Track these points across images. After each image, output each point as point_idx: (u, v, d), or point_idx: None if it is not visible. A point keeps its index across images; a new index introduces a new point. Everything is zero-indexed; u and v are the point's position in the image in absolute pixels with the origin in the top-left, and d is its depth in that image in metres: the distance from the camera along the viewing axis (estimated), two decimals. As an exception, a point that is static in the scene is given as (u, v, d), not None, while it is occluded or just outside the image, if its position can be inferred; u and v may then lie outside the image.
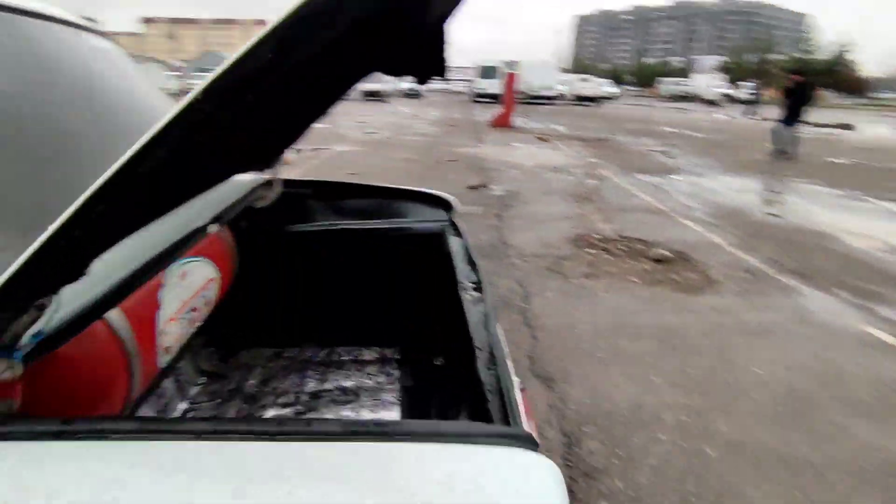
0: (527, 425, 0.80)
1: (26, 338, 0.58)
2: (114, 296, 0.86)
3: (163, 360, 1.15)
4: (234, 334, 1.84)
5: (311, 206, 1.98)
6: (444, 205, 1.93)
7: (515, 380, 0.91)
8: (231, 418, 0.80)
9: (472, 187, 6.71)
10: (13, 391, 0.59)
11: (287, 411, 1.59)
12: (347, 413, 1.60)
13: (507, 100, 15.21)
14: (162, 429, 0.63)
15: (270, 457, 0.56)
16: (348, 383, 1.75)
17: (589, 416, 2.17)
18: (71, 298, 0.76)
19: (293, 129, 1.49)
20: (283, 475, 0.54)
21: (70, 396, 0.84)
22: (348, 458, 0.58)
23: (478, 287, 1.31)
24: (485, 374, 0.88)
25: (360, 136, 12.90)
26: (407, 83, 37.97)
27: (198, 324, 1.34)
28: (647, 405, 2.26)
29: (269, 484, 0.53)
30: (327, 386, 1.73)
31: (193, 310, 1.29)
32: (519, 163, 8.82)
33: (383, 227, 1.94)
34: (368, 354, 1.92)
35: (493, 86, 24.74)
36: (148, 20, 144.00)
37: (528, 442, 0.66)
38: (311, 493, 0.53)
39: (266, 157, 1.72)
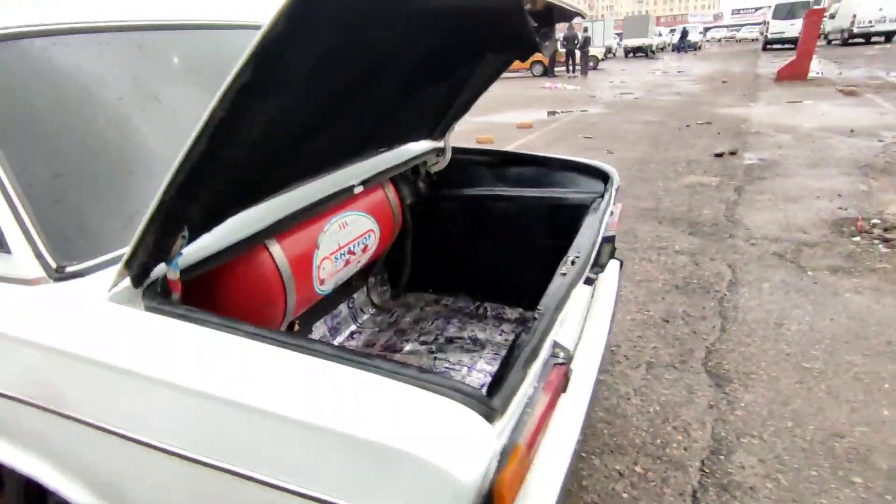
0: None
1: (177, 255, 0.94)
2: (266, 233, 1.23)
3: (319, 289, 1.54)
4: (405, 278, 2.21)
5: (477, 172, 2.17)
6: (603, 176, 1.89)
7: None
8: (345, 348, 1.05)
9: (718, 155, 5.85)
10: (176, 287, 0.97)
11: (421, 348, 1.88)
12: (466, 359, 1.80)
13: (804, 43, 12.26)
14: (296, 343, 0.85)
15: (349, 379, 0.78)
16: (482, 335, 1.94)
17: (757, 428, 1.87)
18: (234, 230, 1.15)
19: (458, 105, 1.75)
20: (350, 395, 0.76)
21: (236, 304, 1.26)
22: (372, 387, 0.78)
23: (575, 262, 1.31)
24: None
25: (610, 96, 12.34)
26: (677, 35, 33.88)
27: (356, 265, 1.70)
28: (848, 438, 1.81)
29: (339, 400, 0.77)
30: (464, 334, 1.96)
31: (350, 252, 1.65)
32: (795, 125, 7.19)
33: (537, 196, 2.01)
34: (511, 313, 2.07)
35: (792, 28, 20.05)
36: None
37: (483, 408, 0.75)
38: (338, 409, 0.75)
39: (436, 128, 1.97)
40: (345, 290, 2.00)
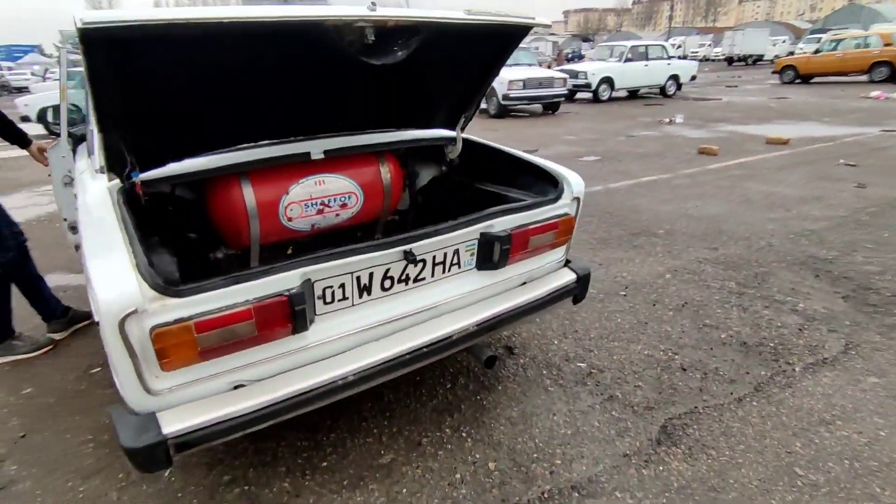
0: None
1: (133, 172, 1.58)
2: (236, 170, 1.79)
3: (288, 224, 2.05)
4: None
5: (476, 163, 2.36)
6: (554, 183, 1.93)
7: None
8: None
9: None
10: (139, 188, 1.62)
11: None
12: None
13: None
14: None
15: None
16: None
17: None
18: (196, 165, 1.76)
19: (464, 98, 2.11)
20: None
21: (216, 216, 1.88)
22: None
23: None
24: None
25: None
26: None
27: (333, 217, 2.16)
28: None
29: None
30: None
31: (324, 205, 2.11)
32: None
33: (493, 192, 2.15)
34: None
35: None
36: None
37: (157, 283, 1.19)
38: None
39: (449, 118, 2.26)
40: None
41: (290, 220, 2.04)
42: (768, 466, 1.73)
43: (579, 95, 14.38)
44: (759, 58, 31.48)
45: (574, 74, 13.73)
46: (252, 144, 1.93)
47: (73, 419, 2.06)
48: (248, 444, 1.88)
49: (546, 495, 1.63)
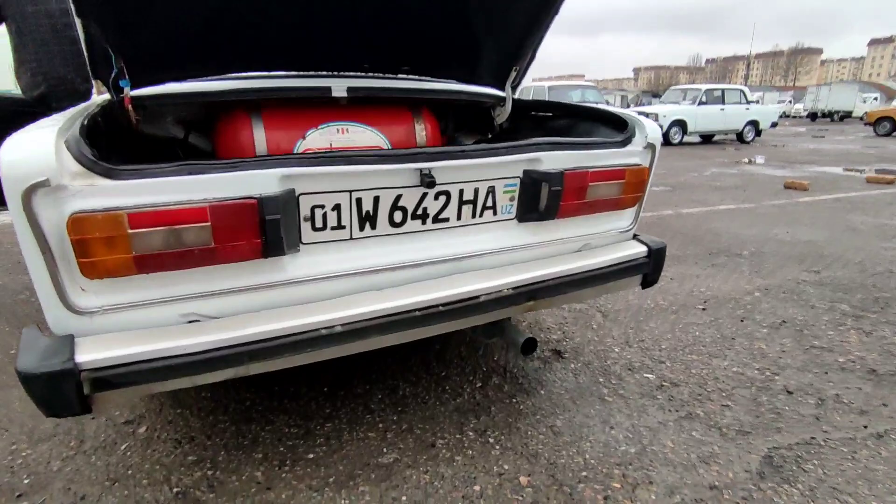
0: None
1: (120, 79, 1.37)
2: (245, 97, 1.56)
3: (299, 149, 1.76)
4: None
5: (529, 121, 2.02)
6: (623, 125, 1.54)
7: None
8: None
9: None
10: (127, 101, 1.41)
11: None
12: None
13: None
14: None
15: None
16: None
17: None
18: (199, 87, 1.53)
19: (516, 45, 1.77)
20: None
21: (221, 148, 1.64)
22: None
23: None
24: None
25: None
26: None
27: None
28: None
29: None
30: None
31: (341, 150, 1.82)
32: None
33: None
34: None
35: None
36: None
37: (88, 160, 0.91)
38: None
39: (497, 70, 1.95)
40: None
41: (307, 150, 1.76)
42: (935, 527, 1.17)
43: (649, 138, 13.80)
44: (848, 114, 29.43)
45: (645, 115, 13.26)
46: (264, 73, 1.70)
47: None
48: (228, 422, 1.54)
49: (596, 528, 1.16)
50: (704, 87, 13.75)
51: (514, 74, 1.95)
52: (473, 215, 1.34)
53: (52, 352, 0.93)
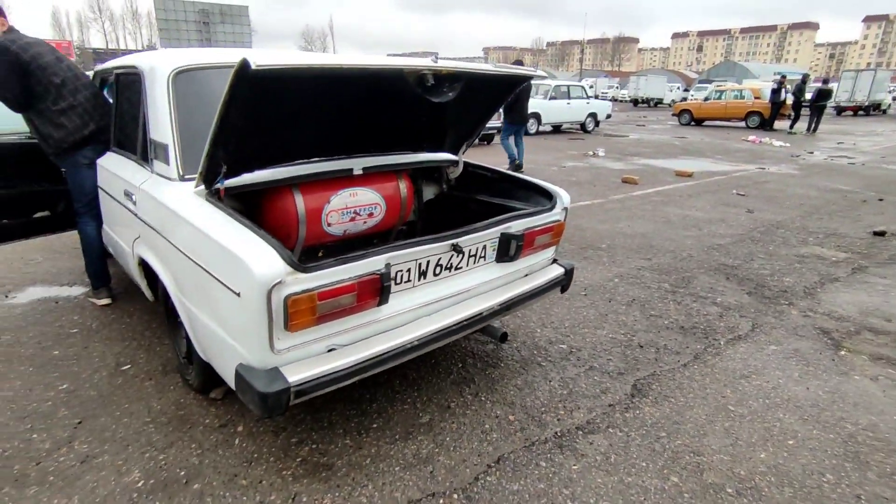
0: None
1: (220, 178, 1.90)
2: (292, 181, 2.14)
3: (327, 228, 2.41)
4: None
5: (470, 181, 2.87)
6: (549, 196, 2.44)
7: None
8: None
9: (878, 233, 5.17)
10: (222, 193, 1.94)
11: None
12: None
13: None
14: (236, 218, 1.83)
15: None
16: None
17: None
18: (272, 176, 2.09)
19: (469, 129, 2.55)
20: None
21: (269, 220, 2.21)
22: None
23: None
24: None
25: (817, 159, 10.99)
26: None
27: (362, 223, 2.55)
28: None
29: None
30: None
31: (356, 213, 2.50)
32: None
33: (496, 203, 2.65)
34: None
35: None
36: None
37: (289, 259, 1.55)
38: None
39: (454, 144, 2.73)
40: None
41: (329, 225, 2.41)
42: (710, 406, 2.33)
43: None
44: (660, 101, 35.35)
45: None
46: (305, 161, 2.31)
47: (124, 407, 2.24)
48: (304, 414, 2.19)
49: (558, 433, 2.11)
50: (554, 83, 15.73)
51: (465, 146, 2.79)
52: (475, 262, 2.17)
53: (274, 378, 1.57)
